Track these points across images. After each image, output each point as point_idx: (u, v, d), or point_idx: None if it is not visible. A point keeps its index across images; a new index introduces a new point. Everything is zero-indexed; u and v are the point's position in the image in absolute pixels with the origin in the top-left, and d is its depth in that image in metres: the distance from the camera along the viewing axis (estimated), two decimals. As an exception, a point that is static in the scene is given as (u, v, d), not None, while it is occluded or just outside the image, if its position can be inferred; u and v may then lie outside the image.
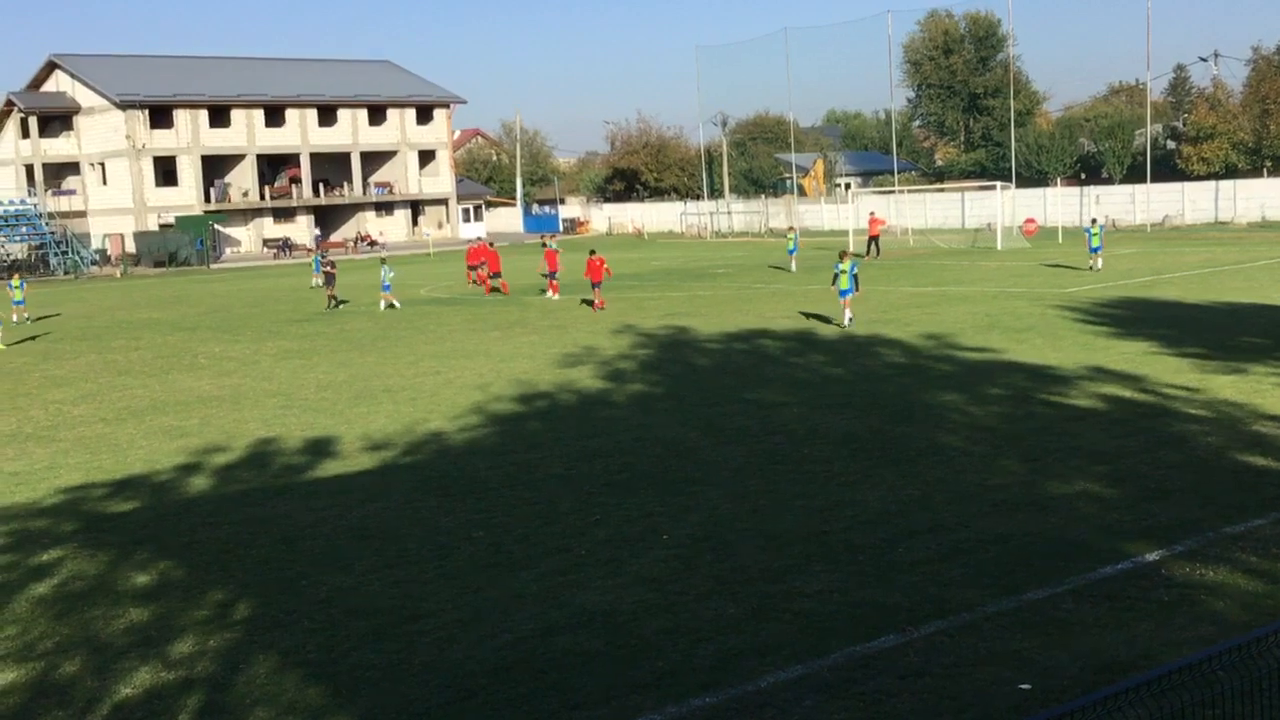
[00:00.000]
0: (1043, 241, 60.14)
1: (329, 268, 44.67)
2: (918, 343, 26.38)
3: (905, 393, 20.58)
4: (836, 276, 29.79)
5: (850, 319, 29.45)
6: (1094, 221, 45.68)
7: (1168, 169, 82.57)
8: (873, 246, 55.58)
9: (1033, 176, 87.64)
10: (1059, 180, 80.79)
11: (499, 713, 8.86)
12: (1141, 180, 74.00)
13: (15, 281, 43.87)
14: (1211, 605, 10.15)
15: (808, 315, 32.53)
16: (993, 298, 35.04)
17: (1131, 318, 29.10)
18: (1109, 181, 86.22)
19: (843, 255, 30.29)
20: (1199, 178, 78.50)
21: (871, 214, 59.69)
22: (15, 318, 42.07)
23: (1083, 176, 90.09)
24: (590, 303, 37.41)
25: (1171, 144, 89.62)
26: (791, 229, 57.48)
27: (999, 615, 10.17)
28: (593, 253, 38.32)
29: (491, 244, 49.44)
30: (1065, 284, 38.34)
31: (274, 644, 10.40)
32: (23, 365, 30.94)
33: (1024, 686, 8.79)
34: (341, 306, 42.62)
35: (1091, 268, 42.78)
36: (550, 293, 41.46)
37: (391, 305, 41.13)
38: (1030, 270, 44.61)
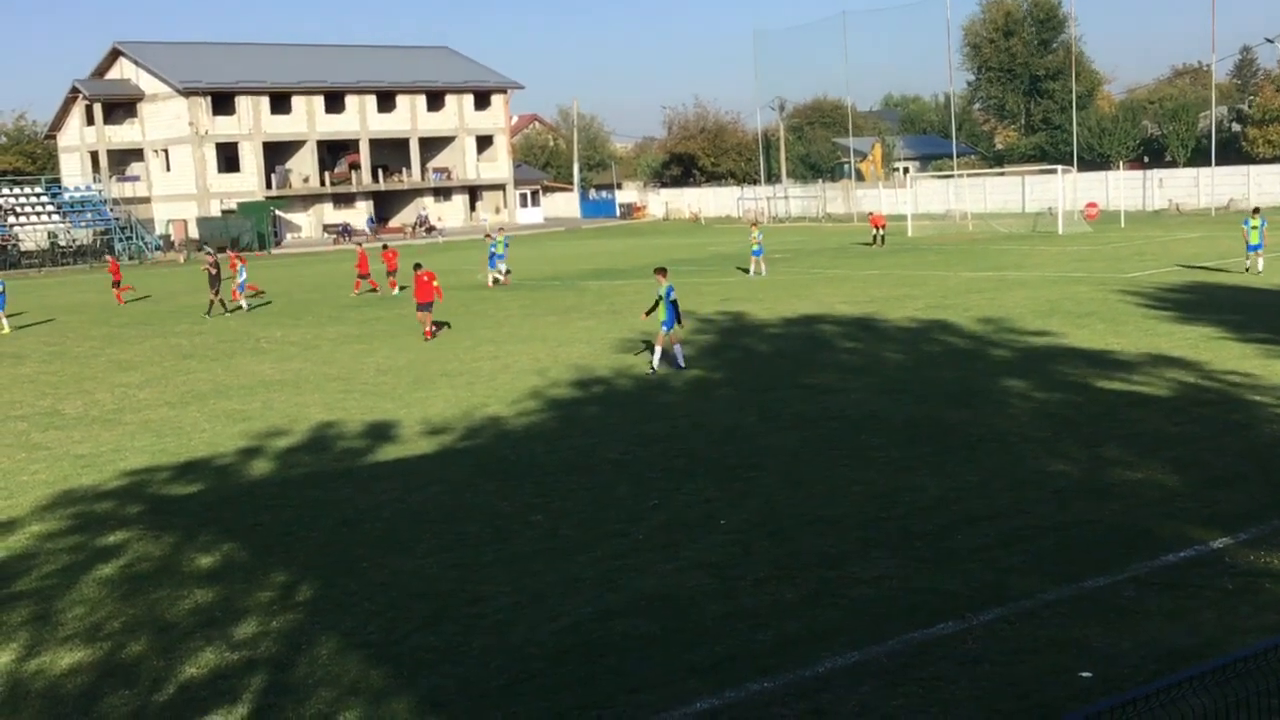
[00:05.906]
0: (1104, 226, 59.47)
1: (210, 268, 38.50)
2: (977, 328, 26.18)
3: (964, 378, 20.44)
4: (657, 304, 22.63)
5: (658, 359, 22.49)
6: (1255, 212, 36.01)
7: (1233, 152, 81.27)
8: (877, 237, 55.92)
9: (1094, 160, 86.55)
10: (1121, 164, 79.79)
11: (557, 695, 8.92)
12: (1206, 164, 72.92)
13: None
14: (1276, 593, 10.03)
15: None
16: (1053, 283, 34.68)
17: (1195, 302, 28.71)
18: (1173, 165, 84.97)
19: (661, 273, 23.26)
20: (1264, 161, 77.23)
21: (870, 214, 62.53)
22: None
23: (1146, 160, 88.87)
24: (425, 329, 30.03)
25: (1236, 127, 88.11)
26: (755, 224, 46.52)
27: (1059, 603, 10.10)
28: (418, 267, 30.65)
29: (386, 246, 47.39)
30: (1128, 269, 37.87)
31: (336, 625, 10.53)
32: (89, 349, 31.45)
33: (1085, 674, 8.73)
34: (230, 314, 38.48)
35: (1248, 269, 34.81)
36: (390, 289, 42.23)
37: (239, 307, 39.81)
38: (1092, 254, 44.09)
